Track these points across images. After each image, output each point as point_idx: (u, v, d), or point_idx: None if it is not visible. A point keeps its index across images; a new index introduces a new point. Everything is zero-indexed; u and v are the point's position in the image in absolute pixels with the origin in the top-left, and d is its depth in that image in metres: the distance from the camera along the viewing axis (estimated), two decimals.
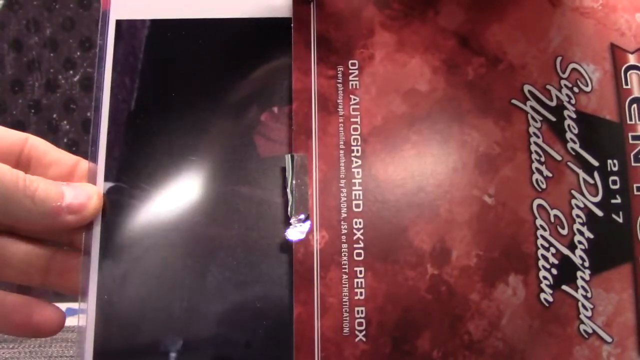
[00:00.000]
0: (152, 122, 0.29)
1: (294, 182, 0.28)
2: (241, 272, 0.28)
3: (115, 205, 0.29)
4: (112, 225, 0.28)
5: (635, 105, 0.30)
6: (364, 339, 0.28)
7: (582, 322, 0.28)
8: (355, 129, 0.29)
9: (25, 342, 0.42)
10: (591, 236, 0.29)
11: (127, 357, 0.28)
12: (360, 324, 0.28)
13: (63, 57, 0.40)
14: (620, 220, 0.29)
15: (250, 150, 0.29)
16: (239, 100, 0.30)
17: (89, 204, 0.27)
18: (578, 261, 0.28)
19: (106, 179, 0.29)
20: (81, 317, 0.27)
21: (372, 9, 0.30)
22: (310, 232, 0.28)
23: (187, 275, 0.28)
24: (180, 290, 0.28)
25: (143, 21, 0.30)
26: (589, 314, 0.28)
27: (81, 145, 0.40)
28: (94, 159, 0.29)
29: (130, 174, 0.29)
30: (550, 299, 0.28)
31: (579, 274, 0.28)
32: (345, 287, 0.28)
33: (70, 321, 0.44)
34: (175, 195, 0.29)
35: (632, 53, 0.30)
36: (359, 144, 0.29)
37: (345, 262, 0.28)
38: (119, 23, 0.30)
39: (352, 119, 0.29)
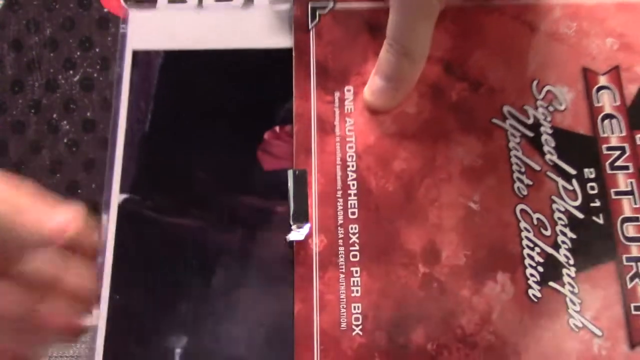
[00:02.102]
0: (165, 141, 0.33)
1: (295, 193, 0.31)
2: (244, 274, 0.31)
3: (128, 214, 0.32)
4: (125, 232, 0.31)
5: (607, 121, 0.32)
6: (360, 333, 0.29)
7: (572, 316, 0.29)
8: (350, 147, 0.32)
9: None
10: (574, 236, 0.30)
11: (135, 353, 0.29)
12: (356, 319, 0.29)
13: (63, 57, 0.42)
14: (601, 221, 0.31)
15: (255, 165, 0.32)
16: (244, 121, 0.33)
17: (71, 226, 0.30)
18: (563, 259, 0.30)
19: (121, 191, 0.32)
20: (94, 316, 0.30)
21: (366, 37, 0.34)
22: (309, 236, 0.31)
23: (193, 277, 0.30)
24: (187, 291, 0.30)
25: (157, 51, 0.35)
26: (577, 308, 0.29)
27: (81, 146, 0.41)
28: (110, 174, 0.32)
29: (143, 186, 0.32)
30: (539, 294, 0.30)
31: (564, 271, 0.30)
32: (342, 285, 0.30)
33: None
34: (184, 205, 0.32)
35: (602, 74, 0.33)
36: (354, 160, 0.32)
37: (342, 263, 0.30)
38: (135, 53, 0.35)
39: (347, 139, 0.33)
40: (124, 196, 0.32)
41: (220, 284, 0.30)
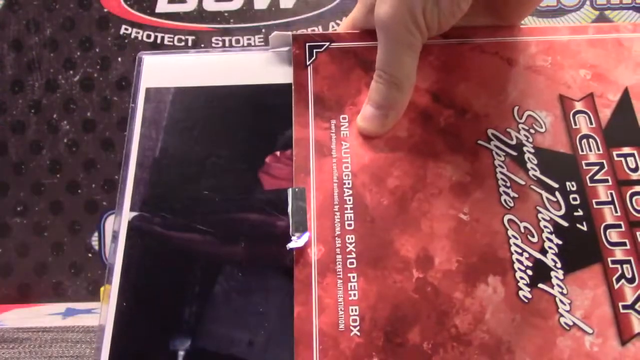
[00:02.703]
0: (173, 165, 0.36)
1: (294, 207, 0.33)
2: (246, 282, 0.32)
3: (138, 229, 0.34)
4: (135, 244, 0.33)
5: (585, 140, 0.35)
6: (358, 334, 0.30)
7: (562, 315, 0.30)
8: (346, 167, 0.35)
9: (25, 342, 0.42)
10: (560, 242, 0.32)
11: (140, 354, 0.30)
12: (354, 320, 0.30)
13: (63, 57, 0.42)
14: (585, 228, 0.32)
15: (256, 185, 0.35)
16: (247, 146, 0.36)
17: None
18: (550, 263, 0.31)
19: (131, 209, 0.34)
20: (102, 317, 0.31)
21: (359, 71, 0.37)
22: (308, 245, 0.32)
23: (197, 284, 0.32)
24: (190, 296, 0.32)
25: (168, 88, 0.38)
26: (567, 308, 0.30)
27: (81, 146, 0.41)
28: (122, 194, 0.34)
29: (152, 205, 0.35)
30: (529, 295, 0.31)
31: (552, 273, 0.31)
32: (340, 289, 0.31)
33: (70, 321, 0.45)
34: (190, 221, 0.34)
35: (578, 101, 0.36)
36: (349, 178, 0.34)
37: (339, 269, 0.32)
38: (148, 90, 0.38)
39: (343, 160, 0.35)
40: (134, 214, 0.34)
41: (223, 292, 0.32)
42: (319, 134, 0.36)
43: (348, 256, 0.32)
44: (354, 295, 0.31)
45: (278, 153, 0.36)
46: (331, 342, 0.30)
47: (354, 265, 0.32)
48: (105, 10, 0.44)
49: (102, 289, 0.32)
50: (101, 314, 0.31)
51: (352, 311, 0.31)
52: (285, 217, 0.33)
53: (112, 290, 0.32)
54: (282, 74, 0.38)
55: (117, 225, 0.34)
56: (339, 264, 0.32)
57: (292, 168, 0.35)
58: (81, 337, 0.42)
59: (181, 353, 0.30)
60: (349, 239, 0.33)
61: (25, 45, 0.44)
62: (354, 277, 0.31)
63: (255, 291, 0.32)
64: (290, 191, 0.34)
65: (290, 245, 0.32)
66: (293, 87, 0.37)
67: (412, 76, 0.35)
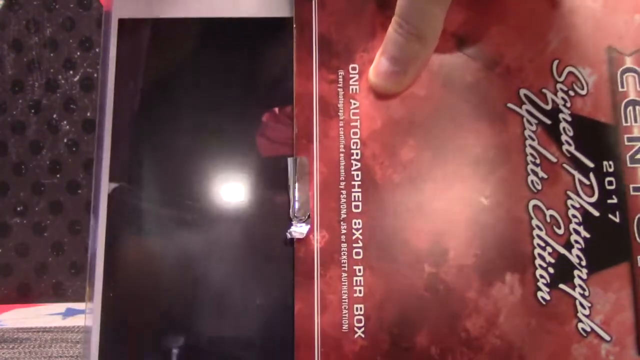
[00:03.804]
0: (156, 122, 0.31)
1: (295, 184, 0.30)
2: (243, 271, 0.29)
3: (120, 206, 0.30)
4: (117, 226, 0.30)
5: (631, 108, 0.30)
6: (362, 336, 0.28)
7: (580, 321, 0.28)
8: (355, 133, 0.30)
9: (25, 342, 0.42)
10: (588, 235, 0.29)
11: (131, 354, 0.29)
12: (359, 321, 0.28)
13: (63, 57, 0.41)
14: (617, 219, 0.29)
15: (252, 150, 0.30)
16: (241, 101, 0.31)
17: None
18: (575, 260, 0.29)
19: (111, 179, 0.30)
20: (88, 316, 0.29)
21: (373, 8, 0.31)
22: (310, 231, 0.29)
23: (189, 273, 0.29)
24: (183, 288, 0.29)
25: (146, 20, 0.32)
26: (586, 312, 0.28)
27: (81, 146, 0.41)
28: (99, 159, 0.30)
29: (135, 175, 0.30)
30: (548, 297, 0.28)
31: (576, 272, 0.29)
32: (345, 285, 0.29)
33: (70, 321, 0.45)
34: (179, 195, 0.30)
35: (629, 55, 0.31)
36: (358, 147, 0.30)
37: (344, 260, 0.29)
38: (121, 22, 0.31)
39: (352, 123, 0.30)
40: (114, 185, 0.30)
41: (218, 281, 0.29)
42: (324, 88, 0.31)
43: (354, 245, 0.29)
44: (359, 291, 0.29)
45: (277, 110, 0.31)
46: (334, 344, 0.28)
47: (360, 257, 0.29)
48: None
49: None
50: (86, 313, 0.29)
51: (356, 310, 0.28)
52: (286, 193, 0.30)
53: (95, 282, 0.29)
54: (281, 4, 0.31)
55: (96, 201, 0.30)
56: (344, 254, 0.29)
57: (293, 130, 0.30)
58: (81, 337, 0.40)
59: (175, 351, 0.28)
60: (355, 224, 0.29)
61: (25, 45, 0.43)
62: (359, 271, 0.29)
63: (253, 282, 0.29)
64: (290, 162, 0.30)
65: (291, 233, 0.29)
66: (294, 25, 0.31)
67: (438, 28, 0.29)
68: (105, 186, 0.30)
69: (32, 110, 0.42)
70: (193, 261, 0.29)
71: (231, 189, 0.30)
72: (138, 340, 0.29)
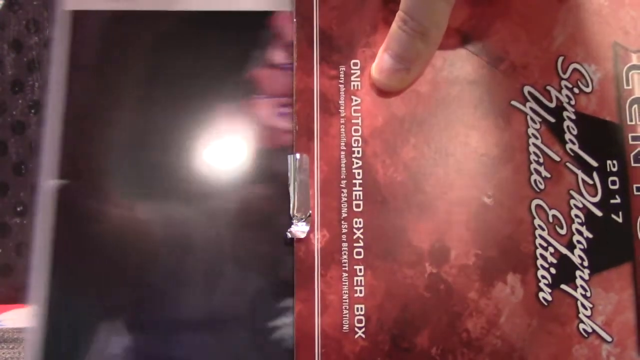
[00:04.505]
0: (107, 118, 0.30)
1: (295, 182, 0.29)
2: (194, 270, 0.29)
3: (66, 205, 0.29)
4: (64, 226, 0.29)
5: (635, 106, 0.30)
6: (363, 336, 0.28)
7: (582, 321, 0.28)
8: (356, 130, 0.30)
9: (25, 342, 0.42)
10: (590, 236, 0.29)
11: (75, 357, 0.28)
12: (359, 321, 0.28)
13: None
14: (620, 220, 0.29)
15: (209, 145, 0.30)
16: (196, 96, 0.30)
17: None
18: (577, 260, 0.29)
19: (58, 176, 0.29)
20: (33, 318, 0.28)
21: (375, 2, 0.31)
22: (311, 231, 0.29)
23: (138, 274, 0.28)
24: (132, 289, 0.28)
25: (99, 12, 0.31)
26: (588, 313, 0.28)
27: None
28: (42, 156, 0.29)
29: (84, 171, 0.29)
30: (549, 297, 0.28)
31: (578, 273, 0.28)
32: (345, 285, 0.28)
33: None
34: (130, 192, 0.29)
35: (635, 52, 0.30)
36: (359, 145, 0.30)
37: (345, 260, 0.29)
38: (69, 14, 0.30)
39: (353, 121, 0.30)
40: (60, 182, 0.29)
41: (168, 281, 0.28)
42: (325, 84, 0.30)
43: (355, 244, 0.29)
44: (360, 292, 0.28)
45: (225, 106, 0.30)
46: (334, 345, 0.28)
47: (361, 256, 0.29)
48: None
49: None
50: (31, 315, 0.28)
51: (357, 310, 0.28)
52: (251, 189, 0.29)
53: (40, 281, 0.28)
54: None
55: (39, 196, 0.29)
56: (345, 253, 0.29)
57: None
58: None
59: (120, 352, 0.28)
60: (356, 223, 0.29)
61: (25, 45, 0.42)
62: (360, 271, 0.29)
63: (202, 283, 0.28)
64: (291, 160, 0.29)
65: (292, 233, 0.29)
66: (295, 20, 0.31)
67: (443, 25, 0.28)
68: (50, 183, 0.29)
69: (32, 110, 0.41)
70: (138, 260, 0.28)
71: (183, 185, 0.29)
72: (83, 343, 0.28)
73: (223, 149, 0.30)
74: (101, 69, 0.30)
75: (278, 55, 0.31)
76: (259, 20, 0.31)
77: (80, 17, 0.31)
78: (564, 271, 0.29)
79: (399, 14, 0.28)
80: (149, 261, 0.28)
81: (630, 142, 0.30)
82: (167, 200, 0.29)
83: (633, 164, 0.29)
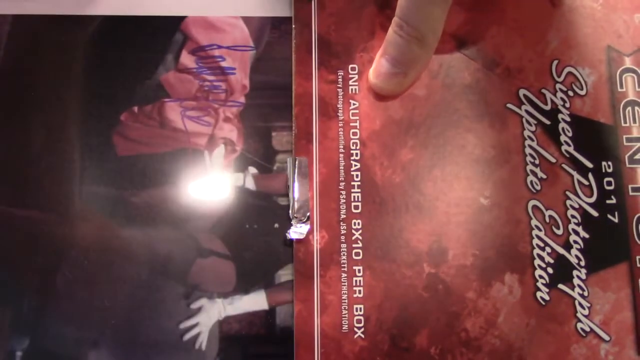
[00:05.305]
0: (5, 119, 0.30)
1: (295, 184, 0.30)
2: (92, 270, 0.29)
3: None
4: None
5: (629, 108, 0.30)
6: (362, 336, 0.28)
7: (579, 321, 0.28)
8: (354, 133, 0.30)
9: None
10: (586, 236, 0.29)
11: None
12: (358, 321, 0.28)
13: None
14: (616, 220, 0.29)
15: (109, 150, 0.30)
16: (100, 100, 0.31)
17: None
18: (574, 260, 0.29)
19: None
20: None
21: (372, 8, 0.31)
22: (310, 232, 0.29)
23: (34, 274, 0.29)
24: (29, 288, 0.29)
25: (4, 16, 0.31)
26: (585, 312, 0.28)
27: None
28: None
29: None
30: (547, 297, 0.29)
31: (575, 273, 0.29)
32: (345, 285, 0.29)
33: None
34: (24, 193, 0.29)
35: (628, 55, 0.31)
36: (358, 147, 0.30)
37: (344, 261, 0.29)
38: None
39: (351, 124, 0.30)
40: None
41: (66, 283, 0.29)
42: (324, 88, 0.31)
43: (354, 245, 0.29)
44: (359, 292, 0.29)
45: (135, 109, 0.31)
46: (333, 345, 0.28)
47: (360, 257, 0.29)
48: None
49: None
50: None
51: (356, 310, 0.28)
52: (141, 192, 0.30)
53: None
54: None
55: None
56: (344, 254, 0.29)
57: (160, 130, 0.30)
58: None
59: (19, 354, 0.28)
60: (355, 224, 0.29)
61: None
62: (359, 271, 0.29)
63: (101, 282, 0.29)
64: (290, 162, 0.30)
65: (291, 235, 0.29)
66: (294, 25, 0.31)
67: (439, 30, 0.29)
68: None
69: None
70: (40, 261, 0.29)
71: (85, 190, 0.30)
72: None
73: (104, 152, 0.30)
74: (11, 71, 0.31)
75: (187, 59, 0.31)
76: (173, 25, 0.31)
77: None
78: (561, 271, 0.29)
79: (395, 19, 0.29)
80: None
81: (625, 144, 0.30)
82: (46, 201, 0.29)
83: (628, 165, 0.30)
